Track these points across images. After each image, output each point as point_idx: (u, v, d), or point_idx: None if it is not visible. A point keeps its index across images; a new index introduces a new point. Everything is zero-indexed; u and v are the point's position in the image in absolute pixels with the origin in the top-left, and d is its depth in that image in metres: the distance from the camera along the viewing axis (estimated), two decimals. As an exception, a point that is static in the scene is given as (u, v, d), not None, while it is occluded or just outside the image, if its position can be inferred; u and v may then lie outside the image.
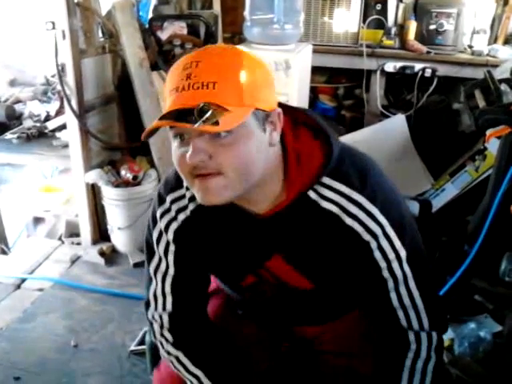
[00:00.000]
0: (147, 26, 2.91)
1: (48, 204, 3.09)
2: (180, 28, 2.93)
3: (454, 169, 2.75)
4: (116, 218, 2.73)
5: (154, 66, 2.78)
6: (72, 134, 2.61)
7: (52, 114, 3.01)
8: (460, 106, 2.72)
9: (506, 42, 2.92)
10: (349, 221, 0.90)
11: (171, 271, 1.04)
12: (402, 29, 2.99)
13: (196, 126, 0.74)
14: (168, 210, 1.01)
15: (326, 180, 0.90)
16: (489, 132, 2.08)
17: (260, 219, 0.93)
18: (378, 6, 3.04)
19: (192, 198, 0.97)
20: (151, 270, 1.07)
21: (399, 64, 2.88)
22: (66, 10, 2.37)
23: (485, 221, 1.98)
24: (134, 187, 2.67)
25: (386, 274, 0.94)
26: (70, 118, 2.57)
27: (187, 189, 0.97)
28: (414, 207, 2.38)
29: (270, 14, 2.48)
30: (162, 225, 1.02)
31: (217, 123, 0.75)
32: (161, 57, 2.82)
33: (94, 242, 2.79)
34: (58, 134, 2.87)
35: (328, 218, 0.91)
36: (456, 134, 2.78)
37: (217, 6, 3.36)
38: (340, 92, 3.35)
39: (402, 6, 3.03)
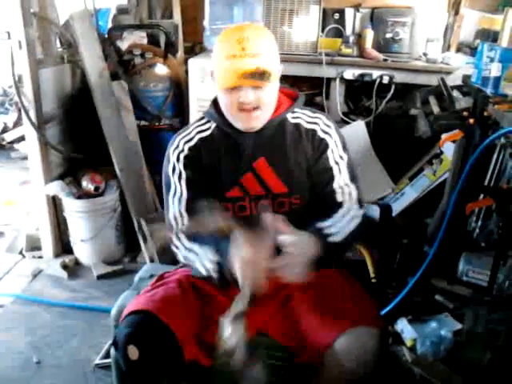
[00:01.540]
0: (107, 35, 2.89)
1: (8, 217, 3.02)
2: (140, 38, 2.93)
3: (413, 173, 2.83)
4: (78, 230, 2.69)
5: (114, 76, 2.76)
6: (31, 146, 2.57)
7: (10, 125, 2.95)
8: (416, 112, 2.80)
9: (458, 50, 3.02)
10: (310, 126, 1.38)
11: (184, 195, 1.36)
12: (359, 37, 3.05)
13: (259, 83, 1.24)
14: (177, 147, 1.39)
15: (298, 109, 1.40)
16: (443, 137, 2.15)
17: (249, 133, 1.34)
18: (336, 16, 3.10)
19: (198, 133, 1.40)
20: (170, 198, 1.38)
21: (358, 71, 2.93)
22: (22, 20, 2.34)
23: (443, 222, 2.04)
24: (96, 198, 2.64)
25: (334, 168, 1.36)
26: (28, 130, 2.53)
27: (196, 127, 1.41)
28: (375, 211, 2.44)
29: (229, 24, 2.51)
30: (174, 158, 1.38)
31: (265, 79, 1.24)
32: (121, 66, 2.80)
33: (57, 255, 2.74)
34: (16, 146, 2.82)
35: (300, 128, 1.38)
36: (414, 139, 2.85)
37: (177, 15, 3.36)
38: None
39: (358, 15, 3.10)
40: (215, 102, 1.39)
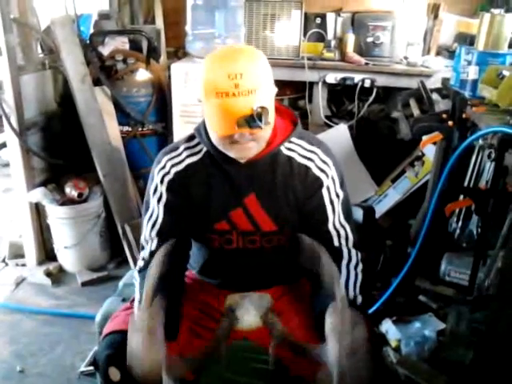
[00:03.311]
0: (88, 41, 2.88)
1: (-11, 225, 2.98)
2: (122, 43, 2.92)
3: (395, 175, 2.86)
4: (62, 237, 2.67)
5: (97, 82, 2.75)
6: (13, 153, 2.55)
7: (-9, 132, 2.92)
8: (398, 115, 2.84)
9: (438, 53, 3.06)
10: (304, 161, 1.27)
11: (160, 219, 1.28)
12: (341, 42, 3.08)
13: (259, 127, 1.10)
14: (163, 167, 1.29)
15: (294, 139, 1.29)
16: (423, 139, 2.18)
17: (242, 165, 1.24)
18: (318, 20, 3.12)
19: (188, 157, 1.29)
20: (145, 219, 1.31)
21: (340, 75, 2.96)
22: (2, 26, 2.33)
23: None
24: (79, 205, 2.63)
25: (328, 208, 1.28)
26: (10, 136, 2.51)
27: (186, 149, 1.30)
28: (358, 214, 2.46)
29: (211, 29, 2.52)
30: (157, 179, 1.29)
31: (263, 121, 1.10)
32: (103, 72, 2.79)
33: (40, 262, 2.72)
34: (-2, 153, 2.79)
35: (292, 163, 1.27)
36: (396, 142, 2.89)
37: (159, 20, 3.37)
38: (285, 104, 3.41)
39: (340, 20, 3.13)
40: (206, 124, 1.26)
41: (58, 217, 2.62)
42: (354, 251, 1.29)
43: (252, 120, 1.09)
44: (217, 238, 1.31)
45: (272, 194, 1.28)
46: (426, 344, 1.97)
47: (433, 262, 2.22)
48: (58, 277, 2.68)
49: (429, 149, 2.57)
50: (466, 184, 2.18)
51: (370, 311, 2.06)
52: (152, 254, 1.26)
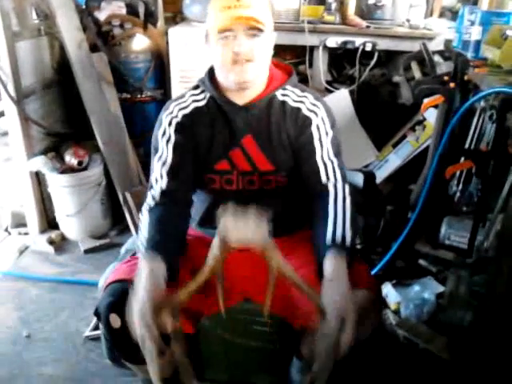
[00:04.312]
0: (84, 6, 2.83)
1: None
2: (118, 8, 2.86)
3: (397, 140, 2.84)
4: (64, 205, 2.68)
5: (94, 48, 2.71)
6: (11, 121, 2.53)
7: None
8: (399, 79, 2.80)
9: (441, 15, 3.00)
10: (295, 104, 1.37)
11: (169, 159, 1.35)
12: (341, 4, 3.01)
13: (253, 30, 1.24)
14: (171, 112, 1.39)
15: (288, 87, 1.39)
16: (425, 102, 2.16)
17: (240, 107, 1.35)
18: (318, -18, 3.05)
19: (193, 102, 1.40)
20: (155, 160, 1.37)
21: (340, 39, 2.90)
22: (-5, -9, 2.28)
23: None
24: (80, 173, 2.63)
25: (316, 142, 1.35)
26: (7, 105, 2.49)
27: (191, 95, 1.41)
28: (359, 179, 2.45)
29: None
30: (166, 122, 1.38)
31: (260, 25, 1.24)
32: (100, 38, 2.75)
33: (42, 230, 2.74)
34: (-4, 122, 2.77)
35: (285, 107, 1.37)
36: (397, 106, 2.86)
37: (156, -16, 3.29)
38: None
39: (340, -19, 3.05)
40: (210, 72, 1.39)
41: (59, 185, 2.62)
42: (340, 184, 1.33)
43: (249, 21, 1.23)
44: (218, 179, 1.39)
45: (267, 136, 1.38)
46: (425, 306, 1.99)
47: (433, 225, 2.23)
48: (61, 245, 2.70)
49: (430, 113, 2.55)
50: (467, 146, 2.16)
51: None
52: (163, 192, 1.33)
